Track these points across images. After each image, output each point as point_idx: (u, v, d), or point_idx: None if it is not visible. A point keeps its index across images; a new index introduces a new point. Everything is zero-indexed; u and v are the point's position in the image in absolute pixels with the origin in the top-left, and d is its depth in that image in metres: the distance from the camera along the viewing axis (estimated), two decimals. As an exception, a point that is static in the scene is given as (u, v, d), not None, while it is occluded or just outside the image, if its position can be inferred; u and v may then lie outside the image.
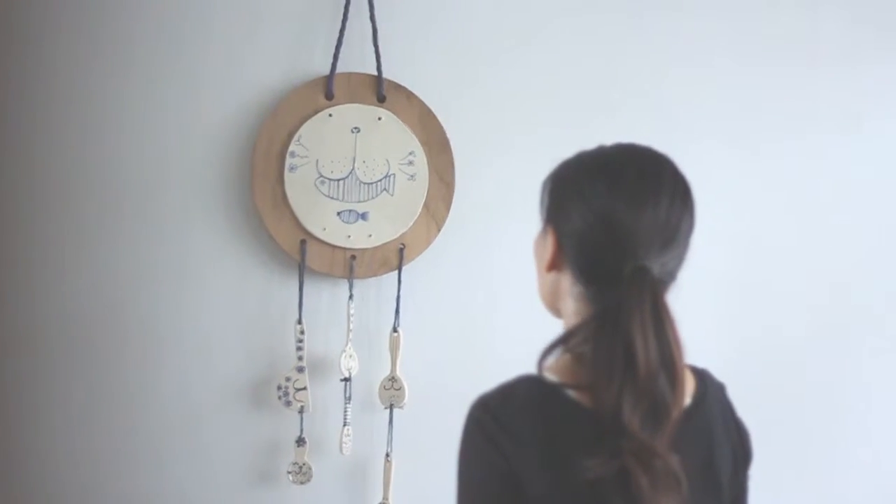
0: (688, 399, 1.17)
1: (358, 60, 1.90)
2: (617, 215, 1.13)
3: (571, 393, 1.12)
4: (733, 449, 1.22)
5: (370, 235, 1.88)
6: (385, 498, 1.94)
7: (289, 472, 1.92)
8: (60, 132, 1.88)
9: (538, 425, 1.12)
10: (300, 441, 1.92)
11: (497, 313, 1.96)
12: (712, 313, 1.96)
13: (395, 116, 1.89)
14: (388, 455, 1.96)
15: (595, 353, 1.10)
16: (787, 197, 2.01)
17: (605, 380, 1.09)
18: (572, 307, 1.18)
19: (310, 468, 1.90)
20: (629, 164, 1.18)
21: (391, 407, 1.92)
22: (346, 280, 1.89)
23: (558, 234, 1.17)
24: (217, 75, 1.91)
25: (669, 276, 1.15)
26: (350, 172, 1.84)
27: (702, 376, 1.22)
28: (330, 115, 1.89)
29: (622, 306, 1.09)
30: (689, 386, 1.17)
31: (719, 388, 1.24)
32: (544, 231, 1.21)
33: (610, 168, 1.17)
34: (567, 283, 1.18)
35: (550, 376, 1.14)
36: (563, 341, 1.13)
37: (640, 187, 1.15)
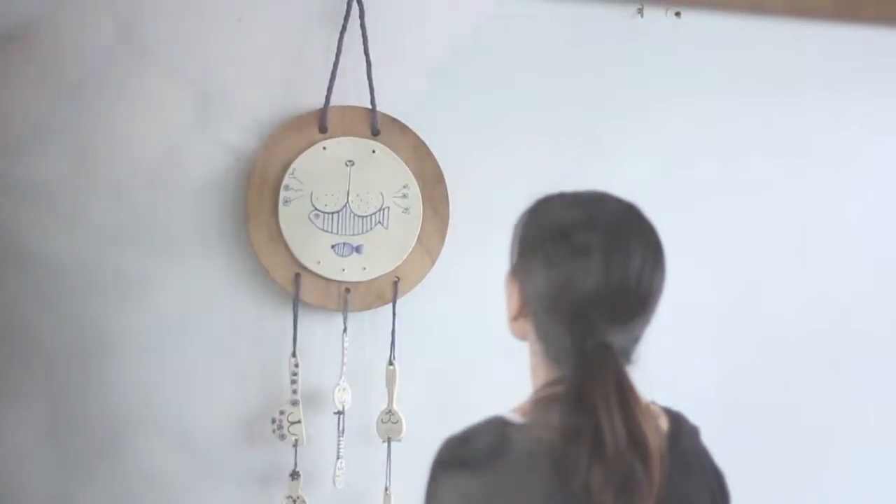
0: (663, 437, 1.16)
1: (352, 94, 1.89)
2: (581, 287, 1.11)
3: (539, 433, 1.10)
4: (711, 492, 1.20)
5: (364, 268, 1.87)
6: (385, 531, 1.94)
7: None
8: (53, 161, 1.88)
9: (502, 467, 1.10)
10: (294, 475, 1.91)
11: (492, 346, 1.92)
12: (706, 339, 1.96)
13: (389, 150, 1.89)
14: (387, 489, 1.94)
15: (562, 428, 1.08)
16: (781, 224, 2.02)
17: (573, 458, 1.07)
18: (537, 361, 1.17)
19: (304, 502, 1.89)
20: (597, 223, 1.15)
21: (389, 440, 1.91)
22: (340, 313, 1.88)
23: (523, 292, 1.16)
24: (211, 107, 1.91)
25: (634, 342, 1.14)
26: (344, 205, 1.83)
27: (675, 419, 1.20)
28: (324, 149, 1.89)
29: (584, 386, 1.08)
30: (662, 427, 1.16)
31: (693, 432, 1.23)
32: (511, 278, 1.19)
33: (576, 229, 1.14)
34: (532, 336, 1.17)
35: (517, 417, 1.13)
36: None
37: (609, 249, 1.13)
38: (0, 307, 1.85)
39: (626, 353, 1.12)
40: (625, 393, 1.07)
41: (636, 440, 1.06)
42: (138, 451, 1.92)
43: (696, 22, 1.99)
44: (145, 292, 1.91)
